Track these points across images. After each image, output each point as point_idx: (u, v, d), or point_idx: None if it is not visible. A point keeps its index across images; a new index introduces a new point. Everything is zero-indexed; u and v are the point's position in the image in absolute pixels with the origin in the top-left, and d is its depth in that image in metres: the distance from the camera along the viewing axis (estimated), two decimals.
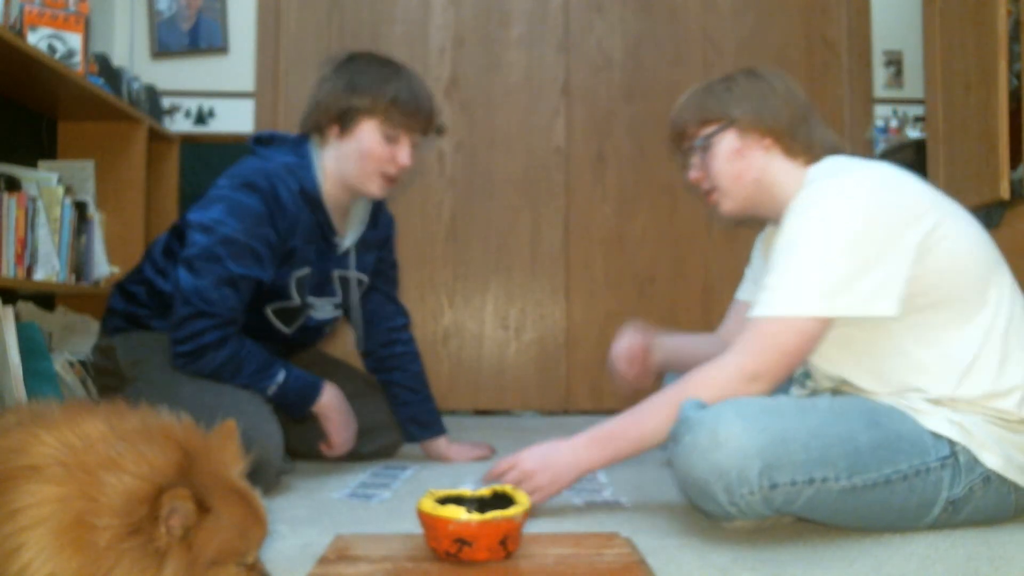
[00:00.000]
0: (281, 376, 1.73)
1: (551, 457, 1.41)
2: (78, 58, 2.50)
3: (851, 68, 3.31)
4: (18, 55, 2.14)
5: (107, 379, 1.87)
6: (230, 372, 1.70)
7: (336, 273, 1.91)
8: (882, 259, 1.28)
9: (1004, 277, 1.38)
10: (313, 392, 1.79)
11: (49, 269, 2.36)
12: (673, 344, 1.85)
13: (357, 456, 2.02)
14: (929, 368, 1.33)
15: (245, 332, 1.75)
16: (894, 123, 3.12)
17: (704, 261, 3.26)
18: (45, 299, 2.60)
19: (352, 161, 1.77)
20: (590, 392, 3.24)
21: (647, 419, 1.38)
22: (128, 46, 3.19)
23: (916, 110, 3.17)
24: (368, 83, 1.75)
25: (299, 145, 1.83)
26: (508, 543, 1.12)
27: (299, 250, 1.79)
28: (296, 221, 1.75)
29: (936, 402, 1.32)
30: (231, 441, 0.91)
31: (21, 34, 2.37)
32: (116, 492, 0.78)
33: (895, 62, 3.30)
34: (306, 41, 3.28)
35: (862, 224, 1.29)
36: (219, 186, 1.74)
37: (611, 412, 3.46)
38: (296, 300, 1.83)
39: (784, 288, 1.31)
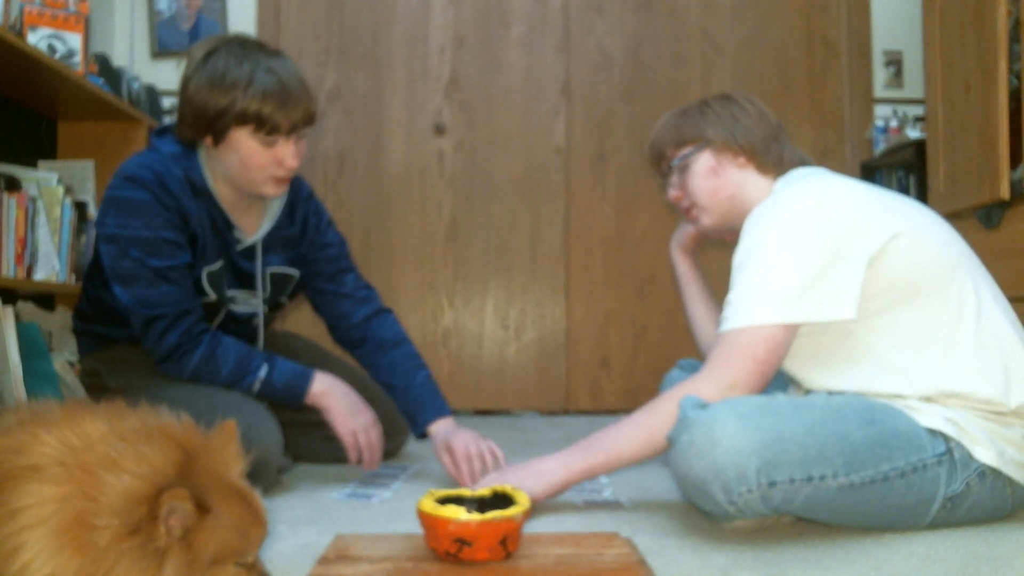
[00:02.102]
0: (263, 371, 1.69)
1: (535, 463, 1.46)
2: (78, 58, 2.50)
3: (851, 68, 3.31)
4: (18, 55, 2.14)
5: (99, 394, 1.87)
6: (210, 371, 1.67)
7: (269, 271, 1.84)
8: (835, 264, 1.32)
9: (969, 274, 1.39)
10: (303, 382, 1.72)
11: (49, 269, 2.36)
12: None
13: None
14: (908, 370, 1.34)
15: None
16: (894, 123, 3.12)
17: (704, 261, 3.25)
18: (45, 299, 2.60)
19: (235, 170, 1.66)
20: (590, 392, 3.25)
21: (622, 439, 1.40)
22: (128, 46, 3.19)
23: (916, 110, 3.17)
24: (231, 86, 1.59)
25: (184, 137, 1.73)
26: (508, 543, 1.12)
27: (200, 237, 1.70)
28: (187, 207, 1.67)
29: (928, 399, 1.33)
30: (231, 441, 0.91)
31: (21, 34, 2.37)
32: (116, 492, 0.78)
33: (895, 62, 3.30)
34: (306, 41, 3.28)
35: (814, 232, 1.34)
36: (108, 187, 1.70)
37: (611, 412, 3.47)
38: (211, 295, 1.74)
39: (747, 300, 1.35)
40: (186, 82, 1.65)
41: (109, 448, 0.81)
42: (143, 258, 1.63)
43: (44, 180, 2.40)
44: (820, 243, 1.33)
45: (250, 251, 1.81)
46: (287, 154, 1.65)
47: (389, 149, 3.28)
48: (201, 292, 1.74)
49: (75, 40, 2.49)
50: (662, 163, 1.64)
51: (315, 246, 1.93)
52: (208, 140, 1.66)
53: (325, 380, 1.75)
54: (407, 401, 1.87)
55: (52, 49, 2.45)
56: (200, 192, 1.70)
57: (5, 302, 2.01)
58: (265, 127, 1.60)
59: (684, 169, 1.59)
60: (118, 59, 3.06)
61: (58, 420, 0.84)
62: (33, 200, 2.33)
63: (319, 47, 3.28)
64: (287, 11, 3.28)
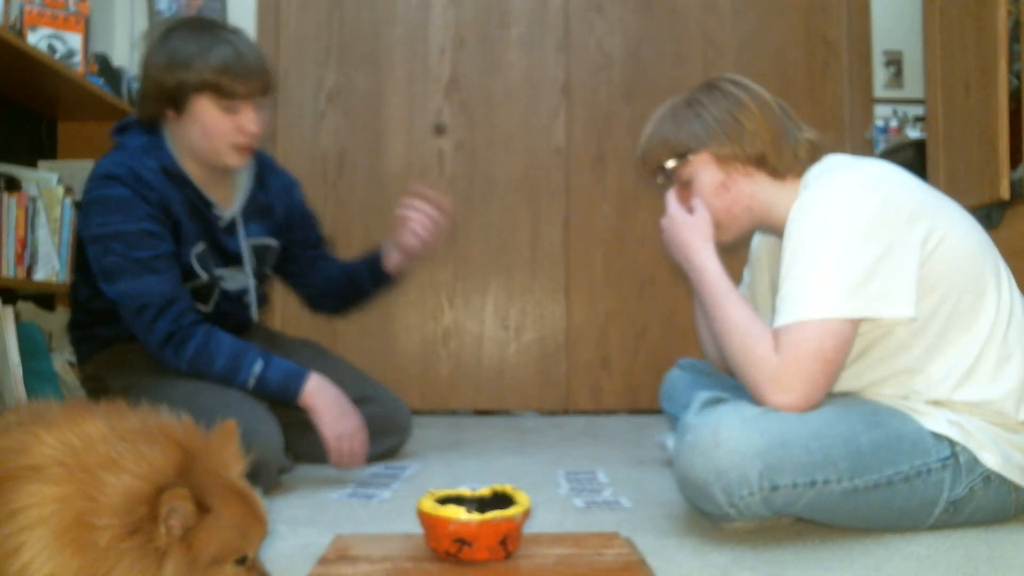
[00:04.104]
0: (258, 366, 1.70)
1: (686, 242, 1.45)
2: (78, 58, 2.50)
3: (851, 68, 3.31)
4: (18, 55, 2.14)
5: (102, 397, 1.87)
6: (204, 361, 1.68)
7: (251, 242, 1.89)
8: (890, 256, 1.26)
9: (1003, 277, 1.37)
10: (297, 381, 1.72)
11: (49, 269, 2.36)
12: None
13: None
14: (931, 373, 1.32)
15: None
16: (894, 123, 3.12)
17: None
18: (45, 299, 2.60)
19: (198, 139, 1.72)
20: (590, 392, 3.25)
21: (724, 308, 1.36)
22: (128, 46, 3.19)
23: (916, 110, 3.17)
24: (189, 57, 1.66)
25: (151, 125, 1.80)
26: (508, 543, 1.12)
27: (184, 224, 1.75)
28: (166, 195, 1.72)
29: (935, 403, 1.32)
30: (231, 441, 0.91)
31: (21, 34, 2.37)
32: (116, 492, 0.78)
33: (895, 62, 3.30)
34: (306, 41, 3.28)
35: (868, 220, 1.27)
36: (86, 190, 1.75)
37: (611, 412, 3.46)
38: (203, 276, 1.79)
39: (809, 293, 1.26)
40: (147, 59, 1.72)
41: (109, 448, 0.81)
42: (126, 251, 1.67)
43: (44, 180, 2.40)
44: (878, 230, 1.26)
45: (231, 227, 1.86)
46: (247, 120, 1.71)
47: (389, 149, 3.28)
48: (193, 275, 1.78)
49: (75, 40, 2.49)
50: (659, 174, 1.53)
51: (295, 213, 2.03)
52: (171, 113, 1.72)
53: (317, 380, 1.75)
54: (364, 264, 2.09)
55: (52, 49, 2.45)
56: (175, 177, 1.75)
57: (5, 302, 2.01)
58: (224, 93, 1.67)
59: (688, 184, 1.47)
60: (118, 59, 3.06)
61: (58, 420, 0.84)
62: (33, 200, 2.33)
63: (319, 47, 3.28)
64: (287, 11, 3.28)
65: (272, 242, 1.96)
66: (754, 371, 1.28)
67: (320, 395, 1.73)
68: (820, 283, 1.26)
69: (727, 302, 1.36)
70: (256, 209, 1.91)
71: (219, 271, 1.85)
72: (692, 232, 1.44)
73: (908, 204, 1.30)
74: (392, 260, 2.04)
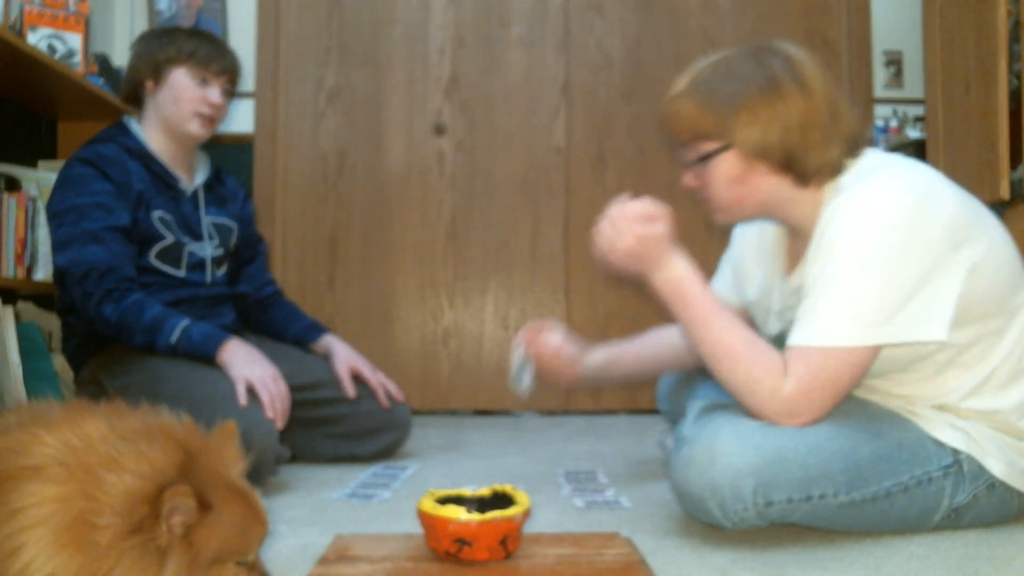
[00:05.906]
0: (185, 321, 1.77)
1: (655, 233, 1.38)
2: (78, 58, 2.50)
3: (851, 68, 3.30)
4: (18, 55, 2.14)
5: (99, 400, 1.88)
6: (135, 314, 1.75)
7: (211, 219, 2.02)
8: (931, 278, 1.19)
9: None
10: (219, 337, 1.77)
11: (49, 269, 2.36)
12: (604, 356, 1.70)
13: (357, 457, 2.02)
14: (947, 381, 1.29)
15: (154, 293, 1.85)
16: (894, 123, 3.12)
17: (704, 260, 3.24)
18: (45, 299, 2.60)
19: (169, 106, 1.93)
20: (590, 392, 3.24)
21: (718, 331, 1.27)
22: (128, 46, 3.18)
23: (916, 110, 3.17)
24: (171, 39, 1.94)
25: (114, 123, 2.00)
26: (508, 543, 1.12)
27: (145, 193, 1.88)
28: (129, 171, 1.87)
29: (940, 408, 1.30)
30: (231, 441, 0.91)
31: (21, 34, 2.37)
32: (117, 491, 0.78)
33: (895, 62, 3.30)
34: (306, 41, 3.28)
35: (912, 238, 1.19)
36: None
37: (611, 412, 3.45)
38: (169, 237, 1.91)
39: (838, 316, 1.19)
40: (138, 40, 2.00)
41: (110, 448, 0.81)
42: (77, 222, 1.78)
43: (44, 180, 2.40)
44: (916, 253, 1.18)
45: (195, 202, 2.00)
46: (213, 94, 1.94)
47: (389, 149, 3.28)
48: (159, 236, 1.88)
49: (75, 40, 2.49)
50: (675, 140, 1.39)
51: (244, 219, 2.14)
52: (150, 84, 1.94)
53: (237, 341, 1.80)
54: (307, 322, 2.21)
55: (52, 49, 2.45)
56: (136, 153, 1.91)
57: (5, 302, 2.02)
58: (199, 65, 1.92)
59: (704, 164, 1.35)
60: (118, 59, 3.05)
61: (58, 420, 0.84)
62: (33, 200, 2.33)
63: (319, 47, 3.28)
64: (287, 11, 3.28)
65: (232, 224, 2.08)
66: (761, 403, 1.23)
67: (234, 351, 1.77)
68: (853, 306, 1.19)
69: (720, 323, 1.28)
70: (215, 195, 2.07)
71: (187, 240, 1.95)
72: (659, 244, 1.41)
73: (955, 222, 1.21)
74: (319, 351, 2.15)
